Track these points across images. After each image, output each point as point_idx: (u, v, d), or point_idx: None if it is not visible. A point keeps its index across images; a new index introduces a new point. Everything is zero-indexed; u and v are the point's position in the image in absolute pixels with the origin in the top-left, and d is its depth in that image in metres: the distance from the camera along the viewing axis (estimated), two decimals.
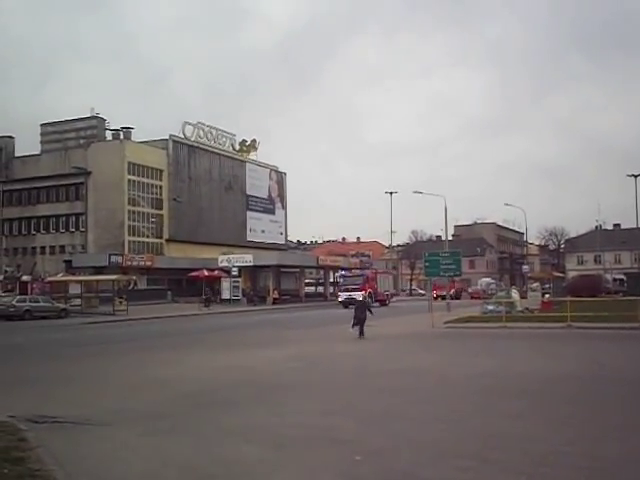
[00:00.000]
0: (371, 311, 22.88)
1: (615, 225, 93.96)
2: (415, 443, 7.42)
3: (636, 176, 60.64)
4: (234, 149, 78.91)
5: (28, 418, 8.78)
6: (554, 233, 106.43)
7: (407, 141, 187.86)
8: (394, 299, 57.16)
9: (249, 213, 79.63)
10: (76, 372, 14.72)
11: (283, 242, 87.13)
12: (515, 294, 34.25)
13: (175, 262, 60.92)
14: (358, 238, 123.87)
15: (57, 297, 42.93)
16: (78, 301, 44.27)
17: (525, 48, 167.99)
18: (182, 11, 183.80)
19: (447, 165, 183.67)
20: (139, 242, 64.63)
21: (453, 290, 43.21)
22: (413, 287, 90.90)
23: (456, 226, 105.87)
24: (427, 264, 33.03)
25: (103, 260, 54.40)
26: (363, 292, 47.95)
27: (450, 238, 66.97)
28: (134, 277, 52.04)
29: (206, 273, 56.43)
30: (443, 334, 23.27)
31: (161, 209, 67.04)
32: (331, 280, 68.34)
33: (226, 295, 54.93)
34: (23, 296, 40.67)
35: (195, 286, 54.45)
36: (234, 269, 54.60)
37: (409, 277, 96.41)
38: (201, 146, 72.51)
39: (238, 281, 55.71)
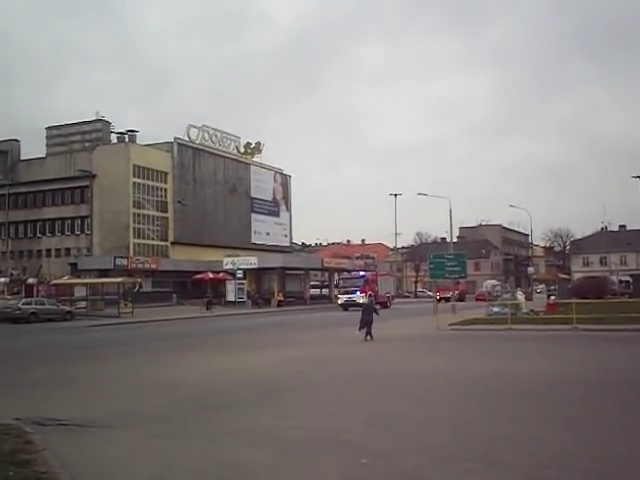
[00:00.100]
0: (377, 312, 22.84)
1: (621, 226, 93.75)
2: (421, 445, 7.40)
3: None
4: (239, 152, 79.02)
5: (34, 421, 8.81)
6: (559, 235, 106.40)
7: (411, 143, 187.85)
8: (395, 301, 56.97)
9: (254, 215, 79.69)
10: (81, 375, 14.74)
11: (288, 244, 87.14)
12: (520, 296, 34.20)
13: (180, 264, 61.03)
14: (363, 240, 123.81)
15: (63, 300, 43.05)
16: (83, 304, 44.39)
17: (529, 49, 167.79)
18: (186, 14, 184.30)
19: (451, 167, 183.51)
20: (144, 245, 64.75)
21: (457, 292, 42.97)
22: (419, 289, 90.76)
23: (461, 228, 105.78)
24: (432, 266, 33.05)
25: (108, 263, 54.56)
26: (363, 294, 47.66)
27: (455, 240, 66.81)
28: (139, 280, 52.15)
29: (211, 275, 56.55)
30: (448, 336, 23.23)
31: (166, 212, 67.17)
32: (336, 282, 68.29)
33: (231, 297, 54.96)
34: (29, 299, 40.77)
35: (200, 288, 54.58)
36: (239, 271, 54.67)
37: (414, 279, 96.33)
38: (206, 149, 72.64)
39: (243, 283, 55.78)
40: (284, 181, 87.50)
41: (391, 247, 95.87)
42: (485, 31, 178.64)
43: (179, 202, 66.51)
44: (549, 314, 29.00)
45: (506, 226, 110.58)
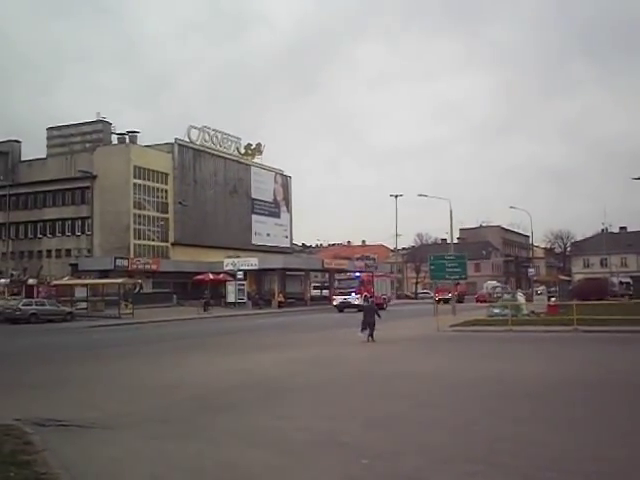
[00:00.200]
0: (379, 314, 22.74)
1: (621, 228, 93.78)
2: (422, 447, 7.39)
3: None
4: (239, 153, 79.05)
5: (34, 421, 8.80)
6: (560, 236, 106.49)
7: (412, 144, 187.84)
8: (392, 302, 56.59)
9: (254, 216, 79.72)
10: (81, 375, 14.73)
11: (288, 245, 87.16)
12: (521, 297, 34.20)
13: (180, 265, 61.03)
14: (363, 241, 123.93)
15: (63, 300, 43.09)
16: (84, 304, 44.44)
17: (530, 50, 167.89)
18: (186, 15, 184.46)
19: (452, 168, 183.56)
20: (145, 245, 64.76)
21: (456, 293, 42.82)
22: (422, 290, 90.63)
23: (461, 229, 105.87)
24: (433, 267, 33.02)
25: (109, 264, 54.57)
26: (358, 295, 47.32)
27: (455, 241, 66.78)
28: (140, 280, 52.11)
29: (211, 276, 56.56)
30: (449, 338, 23.21)
31: (166, 213, 67.20)
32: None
33: (231, 298, 54.97)
34: (29, 299, 40.79)
35: (200, 289, 54.55)
36: (239, 272, 54.67)
37: (415, 280, 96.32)
38: (206, 150, 72.68)
39: (243, 284, 55.79)
40: (284, 182, 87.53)
41: (391, 248, 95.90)
42: (486, 31, 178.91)
43: (180, 203, 66.53)
44: (550, 315, 28.98)
45: (507, 227, 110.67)
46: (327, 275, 70.57)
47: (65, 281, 49.81)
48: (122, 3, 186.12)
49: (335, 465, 6.76)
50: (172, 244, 67.28)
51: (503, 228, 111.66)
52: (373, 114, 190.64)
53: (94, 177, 62.82)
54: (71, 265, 58.64)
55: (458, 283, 45.68)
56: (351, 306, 46.95)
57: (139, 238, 64.22)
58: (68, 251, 64.40)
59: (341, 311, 46.82)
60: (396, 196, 75.38)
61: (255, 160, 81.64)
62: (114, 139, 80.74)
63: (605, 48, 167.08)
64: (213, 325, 35.12)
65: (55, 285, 47.93)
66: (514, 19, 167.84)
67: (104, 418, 9.26)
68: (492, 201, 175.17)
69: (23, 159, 75.06)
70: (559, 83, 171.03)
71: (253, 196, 79.91)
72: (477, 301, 53.91)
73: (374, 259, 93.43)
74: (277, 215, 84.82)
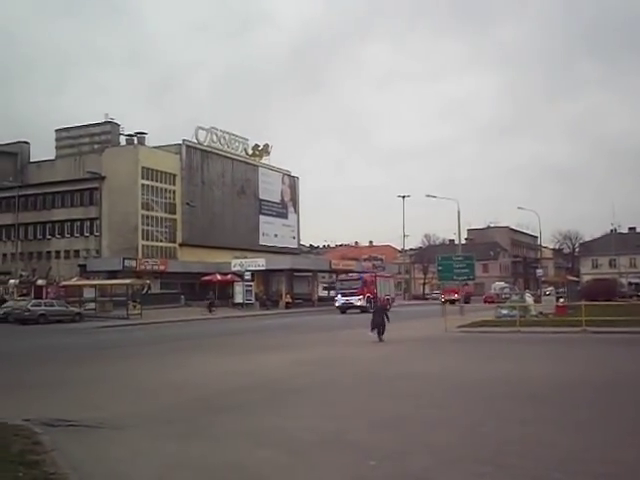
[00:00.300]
0: (388, 317, 22.45)
1: (630, 229, 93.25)
2: (429, 448, 7.38)
3: None
4: (247, 153, 79.17)
5: (43, 421, 8.84)
6: (568, 237, 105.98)
7: (418, 144, 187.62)
8: (395, 304, 56.03)
9: (262, 217, 79.82)
10: (90, 376, 14.79)
11: (296, 246, 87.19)
12: (529, 298, 34.08)
13: (188, 266, 61.17)
14: (371, 242, 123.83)
15: (72, 301, 43.29)
16: (92, 305, 44.63)
17: (536, 50, 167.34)
18: (194, 16, 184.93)
19: (459, 168, 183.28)
20: (153, 246, 64.95)
21: (463, 294, 42.59)
22: (435, 291, 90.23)
23: (469, 230, 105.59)
24: (440, 268, 33.00)
25: (117, 264, 54.77)
26: (361, 297, 46.93)
27: (463, 242, 66.57)
28: (148, 281, 52.30)
29: (219, 277, 56.66)
30: (456, 338, 23.15)
31: (174, 213, 67.36)
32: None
33: (239, 299, 55.03)
34: (38, 300, 41.01)
35: (208, 290, 54.66)
36: (247, 273, 54.72)
37: (422, 281, 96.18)
38: (214, 151, 72.82)
39: (251, 285, 55.83)
40: (292, 183, 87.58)
41: (399, 249, 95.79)
42: (492, 31, 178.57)
43: (187, 204, 66.70)
44: (558, 316, 28.86)
45: (515, 228, 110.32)
46: (334, 276, 70.55)
47: (74, 282, 50.03)
48: (130, 4, 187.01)
49: (343, 465, 6.76)
50: (180, 245, 67.45)
51: (511, 229, 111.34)
52: (380, 114, 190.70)
53: (102, 178, 63.05)
54: (80, 266, 58.87)
55: (466, 284, 45.58)
56: (353, 307, 46.74)
57: (147, 239, 64.42)
58: (77, 252, 64.67)
59: (343, 312, 46.36)
60: (403, 197, 75.39)
61: (263, 161, 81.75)
62: (122, 140, 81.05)
63: (610, 47, 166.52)
64: (219, 326, 35.19)
65: (64, 286, 48.17)
66: (520, 19, 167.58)
67: (112, 418, 9.30)
68: (499, 201, 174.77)
69: (32, 160, 75.59)
70: (564, 82, 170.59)
71: (261, 197, 80.00)
72: (485, 302, 53.71)
73: (382, 260, 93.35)
74: (285, 216, 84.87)
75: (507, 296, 48.80)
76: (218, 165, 73.37)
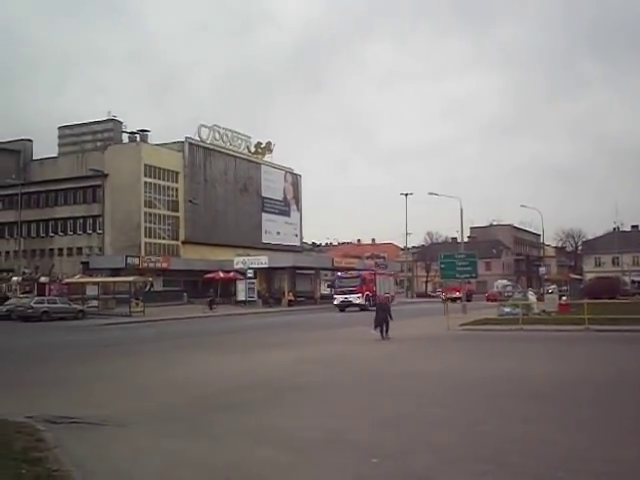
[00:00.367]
0: (391, 316, 22.39)
1: (633, 227, 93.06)
2: (431, 446, 7.38)
3: None
4: (249, 151, 79.11)
5: (46, 419, 8.87)
6: (571, 235, 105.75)
7: (420, 143, 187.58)
8: (395, 302, 55.58)
9: (264, 215, 79.79)
10: (92, 373, 14.84)
11: (298, 244, 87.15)
12: (532, 296, 33.99)
13: (191, 264, 61.22)
14: (373, 240, 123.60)
15: (74, 298, 43.31)
16: (95, 302, 44.72)
17: (538, 49, 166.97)
18: (197, 14, 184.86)
19: (461, 167, 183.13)
20: (155, 244, 64.97)
21: (464, 292, 42.45)
22: (436, 289, 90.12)
23: (472, 228, 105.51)
24: (443, 266, 32.83)
25: (120, 262, 54.82)
26: (360, 295, 46.52)
27: (466, 240, 66.63)
28: (150, 279, 52.33)
29: (222, 275, 56.67)
30: (459, 336, 23.13)
31: (177, 211, 67.36)
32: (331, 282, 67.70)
33: (242, 297, 55.05)
34: (41, 297, 41.03)
35: (210, 287, 54.70)
36: (249, 271, 54.71)
37: (425, 279, 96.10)
38: (217, 148, 72.77)
39: (253, 283, 55.80)
40: (294, 181, 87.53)
41: (401, 247, 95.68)
42: (494, 31, 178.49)
43: (190, 201, 66.71)
44: (561, 314, 28.81)
45: (517, 226, 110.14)
46: (338, 274, 70.50)
47: (77, 279, 50.07)
48: (132, 4, 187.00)
49: (345, 464, 6.77)
50: (182, 242, 67.45)
51: (514, 227, 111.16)
52: (381, 113, 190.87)
53: (105, 176, 63.10)
54: (82, 263, 58.95)
55: (468, 282, 45.50)
56: (352, 305, 46.38)
57: (150, 236, 64.42)
58: (79, 249, 64.70)
59: (342, 310, 45.99)
60: (406, 195, 75.34)
61: (265, 159, 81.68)
62: (125, 138, 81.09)
63: (612, 46, 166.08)
64: (221, 324, 35.20)
65: (67, 283, 48.21)
66: (521, 19, 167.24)
67: (114, 416, 9.32)
68: (501, 200, 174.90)
69: (35, 158, 75.67)
70: (565, 82, 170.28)
71: (263, 194, 79.97)
72: (488, 300, 53.66)
73: (384, 258, 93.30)
74: (287, 214, 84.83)
75: (510, 294, 48.70)
76: (221, 163, 73.34)
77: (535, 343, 20.22)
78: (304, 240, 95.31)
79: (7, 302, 41.42)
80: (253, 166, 78.94)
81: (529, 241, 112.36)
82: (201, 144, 70.55)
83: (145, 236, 63.69)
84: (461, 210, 46.55)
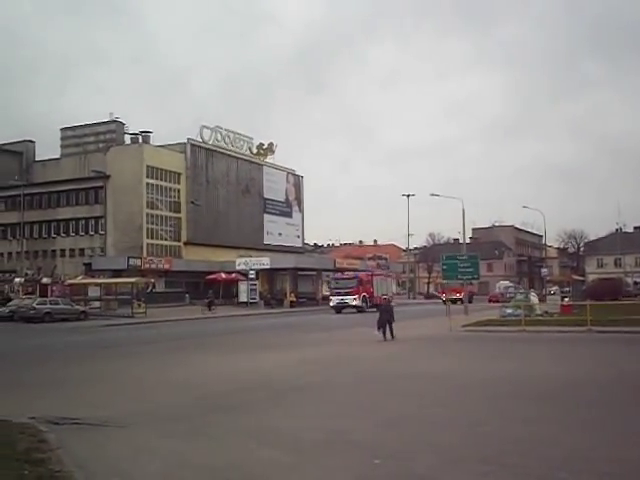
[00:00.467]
0: (393, 317, 22.36)
1: (636, 228, 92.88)
2: (433, 447, 7.38)
3: None
4: (251, 152, 79.16)
5: (48, 420, 8.88)
6: (573, 236, 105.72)
7: (423, 143, 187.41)
8: (393, 304, 54.82)
9: (266, 216, 79.83)
10: (94, 374, 14.84)
11: (300, 245, 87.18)
12: (534, 297, 33.94)
13: (193, 265, 61.26)
14: (375, 241, 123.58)
15: (77, 299, 43.37)
16: (97, 303, 44.76)
17: (540, 49, 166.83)
18: (199, 16, 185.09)
19: (463, 167, 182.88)
20: (157, 245, 65.04)
21: (466, 293, 42.28)
22: (438, 290, 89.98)
23: (474, 229, 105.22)
24: (445, 267, 32.91)
25: (122, 263, 54.89)
26: (356, 296, 45.82)
27: (468, 241, 66.42)
28: (152, 280, 52.34)
29: (223, 276, 56.68)
30: (461, 338, 23.12)
31: (179, 212, 67.44)
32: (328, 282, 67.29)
33: (243, 298, 55.04)
34: (43, 298, 41.06)
35: (212, 289, 54.72)
36: (251, 272, 54.68)
37: (427, 280, 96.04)
38: (219, 149, 72.85)
39: (255, 284, 55.77)
40: (296, 182, 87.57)
41: (403, 248, 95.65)
42: (496, 31, 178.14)
43: (192, 203, 66.78)
44: (563, 316, 28.80)
45: (519, 227, 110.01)
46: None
47: (79, 280, 50.11)
48: (133, 4, 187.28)
49: (347, 464, 6.77)
50: (184, 243, 67.52)
51: (516, 228, 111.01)
52: (384, 113, 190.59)
53: (107, 177, 63.22)
54: (85, 264, 58.98)
55: (470, 283, 45.42)
56: (349, 307, 45.84)
57: (152, 237, 64.50)
58: (82, 250, 64.79)
59: (338, 312, 45.31)
60: (408, 195, 75.32)
61: (267, 160, 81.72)
62: (127, 139, 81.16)
63: (615, 46, 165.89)
64: (223, 325, 35.14)
65: (69, 284, 48.24)
66: (523, 19, 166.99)
67: (116, 416, 9.33)
68: (503, 200, 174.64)
69: (37, 159, 75.84)
70: (569, 82, 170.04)
71: (265, 196, 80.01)
72: (490, 301, 53.64)
73: (386, 259, 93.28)
74: (289, 215, 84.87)
75: (512, 295, 48.64)
76: (223, 164, 73.41)
77: (537, 344, 20.20)
78: (306, 241, 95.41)
79: (9, 303, 41.50)
80: (255, 167, 79.00)
81: (531, 242, 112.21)
82: (203, 145, 70.63)
83: (147, 237, 63.77)
84: (463, 211, 46.21)
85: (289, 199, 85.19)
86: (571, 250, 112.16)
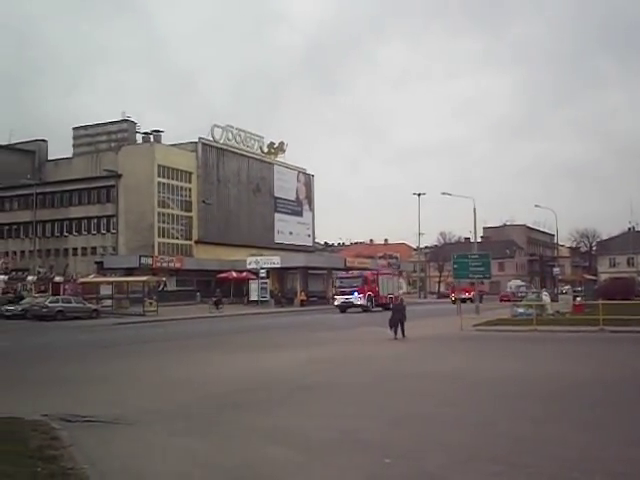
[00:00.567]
0: (405, 316, 22.41)
1: None
2: (444, 446, 7.37)
3: None
4: (262, 151, 79.20)
5: (61, 417, 8.95)
6: (585, 235, 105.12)
7: (433, 142, 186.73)
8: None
9: (277, 215, 79.86)
10: (106, 372, 14.92)
11: (310, 244, 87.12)
12: (546, 297, 33.77)
13: (204, 264, 61.39)
14: (386, 240, 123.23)
15: (89, 298, 43.60)
16: (109, 302, 44.93)
17: (550, 49, 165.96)
18: (210, 15, 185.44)
19: (474, 166, 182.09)
20: (169, 244, 65.24)
21: (476, 293, 42.02)
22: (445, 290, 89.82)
23: (485, 228, 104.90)
24: (456, 266, 32.73)
25: (134, 261, 55.10)
26: (361, 295, 45.36)
27: (479, 240, 66.18)
28: (164, 278, 52.53)
29: (234, 275, 56.80)
30: (472, 337, 23.05)
31: (190, 211, 67.61)
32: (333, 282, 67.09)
33: (254, 297, 55.15)
34: (56, 297, 41.33)
35: (223, 287, 54.84)
36: (262, 271, 54.77)
37: (437, 279, 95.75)
38: (230, 149, 72.93)
39: (266, 283, 55.86)
40: (307, 181, 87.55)
41: (414, 247, 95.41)
42: (506, 31, 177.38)
43: (203, 202, 66.92)
44: (575, 315, 28.61)
45: (531, 226, 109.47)
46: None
47: (91, 279, 50.41)
48: (146, 3, 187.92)
49: (358, 463, 6.77)
50: (196, 242, 67.68)
51: (528, 227, 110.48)
52: (394, 113, 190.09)
53: (119, 176, 63.46)
54: (97, 263, 59.28)
55: (481, 282, 45.18)
56: (353, 306, 45.40)
57: (163, 236, 64.70)
58: (94, 249, 65.08)
59: (343, 312, 44.83)
60: (419, 194, 75.12)
61: (278, 159, 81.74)
62: (139, 138, 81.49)
63: (624, 46, 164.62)
64: (233, 324, 35.24)
65: (81, 283, 48.55)
66: (532, 19, 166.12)
67: (128, 415, 9.38)
68: (514, 199, 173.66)
69: (50, 158, 76.26)
70: (579, 81, 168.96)
71: (276, 195, 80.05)
72: (501, 300, 53.37)
73: (397, 258, 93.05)
74: (300, 214, 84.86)
75: (523, 294, 48.42)
76: (234, 163, 73.50)
77: (549, 344, 20.10)
78: (316, 240, 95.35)
79: (22, 301, 41.77)
80: (266, 166, 79.04)
81: (543, 241, 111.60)
82: (214, 144, 70.75)
83: (158, 236, 63.96)
84: (474, 210, 46.07)
85: (300, 198, 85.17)
86: (583, 249, 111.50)
